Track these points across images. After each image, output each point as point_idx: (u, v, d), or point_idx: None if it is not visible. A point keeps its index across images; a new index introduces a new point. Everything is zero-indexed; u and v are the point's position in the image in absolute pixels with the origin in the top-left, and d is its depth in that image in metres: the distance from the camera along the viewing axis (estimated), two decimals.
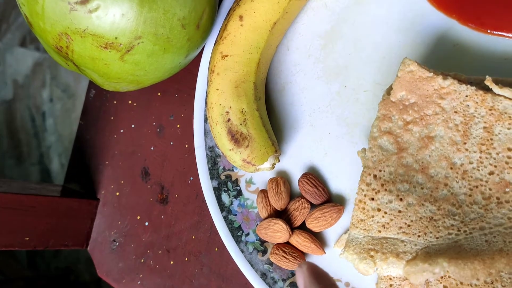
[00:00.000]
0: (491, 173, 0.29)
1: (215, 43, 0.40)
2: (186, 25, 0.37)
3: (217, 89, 0.38)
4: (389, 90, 0.32)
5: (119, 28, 0.35)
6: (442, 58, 0.34)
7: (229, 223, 0.40)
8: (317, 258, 0.37)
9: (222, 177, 0.41)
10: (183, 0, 0.36)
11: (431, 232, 0.30)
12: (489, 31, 0.33)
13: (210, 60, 0.40)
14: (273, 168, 0.39)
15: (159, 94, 0.49)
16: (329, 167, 0.38)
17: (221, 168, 0.41)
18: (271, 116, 0.41)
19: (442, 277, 0.31)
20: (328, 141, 0.38)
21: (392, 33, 0.37)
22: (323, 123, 0.38)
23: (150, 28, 0.35)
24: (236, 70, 0.38)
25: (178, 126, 0.47)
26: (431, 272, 0.29)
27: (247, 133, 0.37)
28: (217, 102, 0.38)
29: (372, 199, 0.32)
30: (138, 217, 0.47)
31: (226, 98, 0.38)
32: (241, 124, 0.37)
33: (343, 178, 0.37)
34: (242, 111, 0.38)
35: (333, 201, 0.37)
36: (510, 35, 0.32)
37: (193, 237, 0.44)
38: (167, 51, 0.37)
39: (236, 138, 0.37)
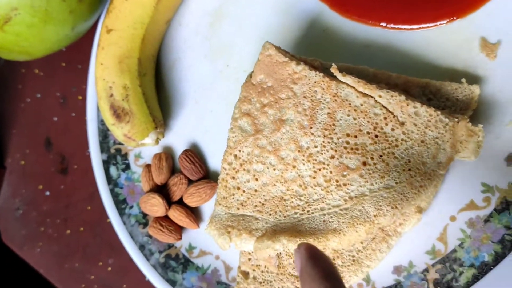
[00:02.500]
0: (332, 157, 0.30)
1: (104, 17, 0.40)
2: None
3: (102, 64, 0.39)
4: (251, 74, 0.33)
5: None
6: (313, 43, 0.35)
7: (115, 196, 0.41)
8: (192, 232, 0.38)
9: (112, 151, 0.42)
10: None
11: (280, 211, 0.32)
12: (353, 17, 0.33)
13: (98, 34, 0.40)
14: (158, 143, 0.40)
15: (63, 64, 0.49)
16: (209, 144, 0.39)
17: (111, 141, 0.42)
18: (160, 92, 0.41)
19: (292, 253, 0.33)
20: (209, 118, 0.39)
21: (272, 15, 0.37)
22: (206, 101, 0.39)
23: (25, 0, 0.35)
24: (120, 45, 0.38)
25: (80, 97, 0.47)
26: (273, 248, 0.30)
27: (128, 109, 0.38)
28: (101, 77, 0.39)
29: (233, 178, 0.33)
30: (40, 187, 0.48)
31: (109, 73, 0.38)
32: (123, 99, 0.38)
33: (220, 156, 0.38)
34: (124, 87, 0.38)
35: (210, 178, 0.38)
36: (370, 22, 0.33)
37: (89, 207, 0.45)
38: (48, 23, 0.37)
39: (118, 113, 0.38)
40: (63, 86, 0.48)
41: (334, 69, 0.30)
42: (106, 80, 0.38)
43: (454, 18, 0.31)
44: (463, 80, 0.29)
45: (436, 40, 0.31)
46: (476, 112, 0.29)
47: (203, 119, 0.39)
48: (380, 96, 0.29)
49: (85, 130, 0.46)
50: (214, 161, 0.38)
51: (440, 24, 0.31)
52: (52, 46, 0.40)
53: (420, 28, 0.32)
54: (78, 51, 0.48)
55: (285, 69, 0.31)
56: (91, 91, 0.43)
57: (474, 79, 0.30)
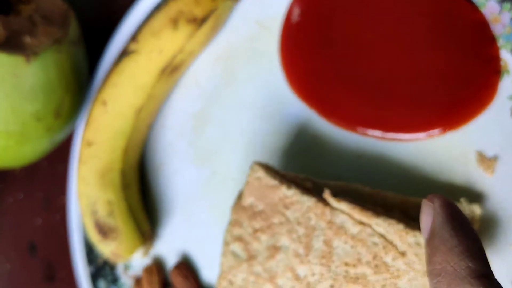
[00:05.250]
0: (331, 286, 0.28)
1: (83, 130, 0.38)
2: (42, 118, 0.35)
3: (84, 180, 0.37)
4: (240, 194, 0.32)
5: None
6: (302, 151, 0.34)
7: None
8: None
9: (100, 262, 0.40)
10: (33, 96, 0.34)
11: None
12: (341, 125, 0.32)
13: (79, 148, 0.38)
14: (147, 254, 0.38)
15: (45, 164, 0.47)
16: (202, 256, 0.37)
17: (99, 252, 0.40)
18: (147, 197, 0.39)
19: None
20: (200, 228, 0.37)
21: (257, 119, 0.36)
22: (195, 210, 0.37)
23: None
24: (101, 158, 0.37)
25: (64, 200, 0.45)
26: None
27: (114, 225, 0.36)
28: (83, 193, 0.37)
29: None
30: None
31: (92, 188, 0.37)
32: (108, 215, 0.36)
33: (215, 268, 0.36)
34: (109, 202, 0.36)
35: None
36: (360, 131, 0.32)
37: None
38: (24, 144, 0.35)
39: (104, 231, 0.36)
40: (45, 187, 0.46)
41: (327, 195, 0.28)
42: (89, 196, 0.37)
43: (447, 129, 0.30)
44: (462, 199, 0.28)
45: (431, 153, 0.30)
46: (479, 232, 0.28)
47: (193, 229, 0.37)
48: (377, 224, 0.27)
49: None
50: (207, 273, 0.37)
51: (432, 134, 0.30)
52: (30, 160, 0.38)
53: (411, 139, 0.30)
54: (59, 151, 0.46)
55: (276, 192, 0.30)
56: (73, 202, 0.41)
57: (474, 195, 0.29)
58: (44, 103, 0.35)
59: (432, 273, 0.18)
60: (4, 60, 0.32)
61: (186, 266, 0.37)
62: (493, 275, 0.17)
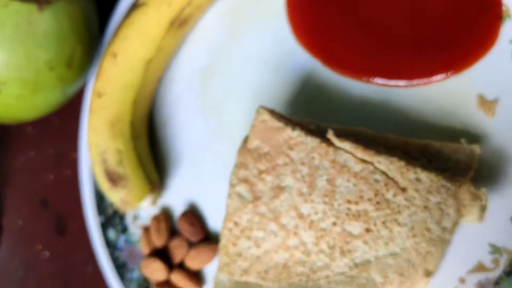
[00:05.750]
0: (334, 223, 0.29)
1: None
2: (55, 67, 0.36)
3: (94, 129, 0.38)
4: (246, 138, 0.32)
5: None
6: (307, 100, 0.35)
7: (114, 260, 0.40)
8: None
9: (110, 212, 0.41)
10: (46, 43, 0.35)
11: (284, 279, 0.31)
12: (346, 74, 0.33)
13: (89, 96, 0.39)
14: (155, 204, 0.39)
15: (56, 121, 0.48)
16: (208, 205, 0.38)
17: (108, 203, 0.41)
18: (155, 150, 0.40)
19: None
20: (206, 178, 0.38)
21: (264, 71, 0.36)
22: (202, 160, 0.38)
23: (14, 73, 0.35)
24: (111, 109, 0.38)
25: (75, 155, 0.47)
26: None
27: (123, 174, 0.37)
28: (94, 142, 0.38)
29: (234, 244, 0.32)
30: (39, 247, 0.47)
31: (102, 138, 0.38)
32: (117, 164, 0.37)
33: (221, 216, 0.37)
34: (118, 151, 0.37)
35: (211, 239, 0.38)
36: (364, 79, 0.32)
37: (89, 269, 0.44)
38: (37, 93, 0.37)
39: (114, 179, 0.37)
40: (57, 144, 0.48)
41: (331, 135, 0.29)
42: (99, 145, 0.38)
43: (449, 74, 0.30)
44: (463, 140, 0.29)
45: (433, 98, 0.31)
46: (478, 171, 0.29)
47: (199, 179, 0.38)
48: (379, 162, 0.28)
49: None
50: (214, 221, 0.38)
51: (435, 80, 0.31)
52: (42, 111, 0.39)
53: (414, 84, 0.31)
54: (70, 108, 0.47)
55: (281, 134, 0.31)
56: (84, 153, 0.42)
57: (473, 137, 0.29)
58: (57, 51, 0.35)
59: None
60: (18, 7, 0.34)
61: (193, 214, 0.38)
62: None
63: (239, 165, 0.32)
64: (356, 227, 0.29)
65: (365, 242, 0.29)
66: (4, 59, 0.34)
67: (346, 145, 0.29)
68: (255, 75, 0.37)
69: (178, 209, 0.39)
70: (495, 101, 0.29)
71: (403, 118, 0.31)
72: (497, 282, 0.28)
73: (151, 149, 0.40)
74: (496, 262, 0.28)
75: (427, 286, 0.30)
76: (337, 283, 0.29)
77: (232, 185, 0.32)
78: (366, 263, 0.29)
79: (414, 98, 0.31)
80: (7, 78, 0.35)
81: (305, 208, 0.30)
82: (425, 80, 0.31)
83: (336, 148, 0.29)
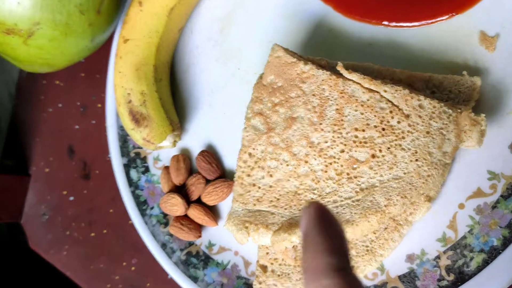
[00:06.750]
0: (342, 151, 0.31)
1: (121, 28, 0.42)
2: (85, 11, 0.39)
3: (120, 72, 0.41)
4: (261, 75, 0.35)
5: (17, 15, 0.37)
6: (319, 43, 0.37)
7: (136, 198, 0.43)
8: (212, 229, 0.40)
9: (132, 155, 0.44)
10: None
11: (295, 205, 0.33)
12: (356, 18, 0.35)
13: (116, 45, 0.42)
14: (175, 145, 0.41)
15: (82, 74, 0.51)
16: (224, 145, 0.40)
17: (131, 146, 0.44)
18: (176, 96, 0.43)
19: None
20: (223, 120, 0.41)
21: (279, 19, 0.39)
22: (219, 103, 0.41)
23: (47, 14, 0.38)
24: (136, 53, 0.40)
25: (99, 105, 0.49)
26: (289, 241, 0.32)
27: (146, 114, 0.40)
28: (119, 84, 0.41)
29: (249, 175, 0.35)
30: (65, 192, 0.50)
31: (127, 80, 0.40)
32: (141, 105, 0.40)
33: (235, 155, 0.40)
34: (142, 93, 0.40)
35: (227, 177, 0.40)
36: (373, 21, 0.34)
37: (111, 210, 0.47)
38: (69, 36, 0.39)
39: (137, 118, 0.40)
40: (83, 96, 0.51)
41: (340, 67, 0.31)
42: (124, 87, 0.40)
43: (453, 14, 0.32)
44: (464, 72, 0.30)
45: (437, 36, 0.32)
46: (478, 102, 0.31)
47: (217, 121, 0.41)
48: (385, 91, 0.30)
49: (105, 136, 0.48)
50: (230, 161, 0.40)
51: (440, 20, 0.32)
52: (72, 57, 0.42)
53: (420, 25, 0.33)
54: (96, 62, 0.50)
55: (294, 69, 0.33)
56: (110, 98, 0.45)
57: (475, 71, 0.31)
58: None
59: (302, 270, 0.20)
60: None
61: (210, 153, 0.40)
62: (351, 269, 0.19)
63: (255, 100, 0.34)
64: (362, 153, 0.31)
65: (371, 168, 0.31)
66: (39, 1, 0.37)
67: (354, 76, 0.31)
68: (270, 23, 0.39)
69: (196, 151, 0.42)
70: (496, 37, 0.31)
71: (409, 55, 0.33)
72: (495, 206, 0.30)
73: (172, 95, 0.43)
74: (494, 187, 0.30)
75: (429, 211, 0.32)
76: (343, 207, 0.32)
77: (247, 119, 0.35)
78: (371, 187, 0.31)
79: (419, 37, 0.33)
80: (40, 19, 0.37)
81: (315, 137, 0.32)
82: (430, 21, 0.33)
83: (345, 79, 0.31)
